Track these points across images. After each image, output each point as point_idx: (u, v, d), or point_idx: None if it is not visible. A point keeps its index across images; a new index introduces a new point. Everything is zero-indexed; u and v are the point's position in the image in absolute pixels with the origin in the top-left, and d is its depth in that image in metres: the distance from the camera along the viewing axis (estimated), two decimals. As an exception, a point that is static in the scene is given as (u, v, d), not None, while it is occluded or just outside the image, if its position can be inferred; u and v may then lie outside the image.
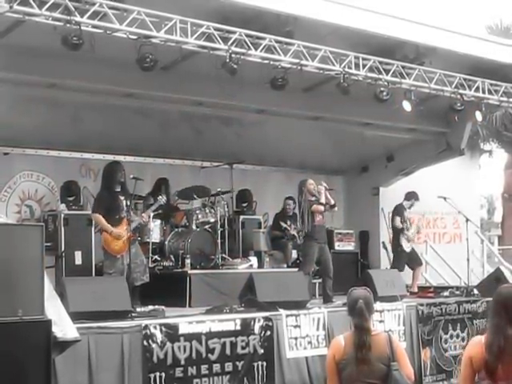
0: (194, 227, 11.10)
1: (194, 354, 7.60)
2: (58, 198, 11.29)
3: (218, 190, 11.62)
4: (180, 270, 10.52)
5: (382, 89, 10.06)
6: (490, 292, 4.82)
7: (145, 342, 7.28)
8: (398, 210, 12.32)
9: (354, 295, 5.58)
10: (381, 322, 9.34)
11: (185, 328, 7.62)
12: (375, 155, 14.35)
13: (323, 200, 10.42)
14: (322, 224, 10.50)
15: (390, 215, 12.64)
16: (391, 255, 12.77)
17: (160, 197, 10.01)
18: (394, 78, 10.11)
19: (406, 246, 12.15)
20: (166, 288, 9.85)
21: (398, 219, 12.20)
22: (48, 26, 7.49)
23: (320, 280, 10.91)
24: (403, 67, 10.20)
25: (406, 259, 12.15)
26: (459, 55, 10.57)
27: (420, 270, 12.59)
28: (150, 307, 8.42)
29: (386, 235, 12.94)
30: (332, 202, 10.60)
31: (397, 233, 12.26)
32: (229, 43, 8.59)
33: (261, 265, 11.65)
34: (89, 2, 7.59)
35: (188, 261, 10.47)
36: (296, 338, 8.57)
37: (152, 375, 7.29)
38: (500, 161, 23.93)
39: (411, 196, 12.45)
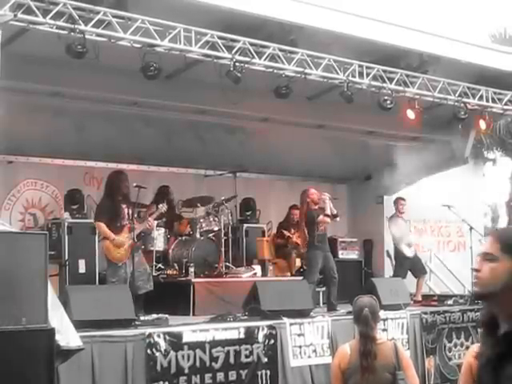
0: (197, 236, 11.09)
1: (197, 363, 7.59)
2: (61, 207, 11.28)
3: (222, 198, 11.59)
4: (184, 279, 10.50)
5: (385, 97, 10.05)
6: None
7: (148, 351, 7.27)
8: (392, 220, 12.43)
9: (360, 303, 5.55)
10: (384, 330, 9.31)
11: (188, 336, 7.60)
12: (379, 163, 14.33)
13: (329, 212, 10.47)
14: (324, 233, 10.58)
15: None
16: (394, 263, 12.78)
17: (161, 205, 10.00)
18: (398, 86, 10.11)
19: (408, 252, 12.15)
20: (169, 296, 9.84)
21: (393, 229, 12.28)
22: (52, 34, 7.50)
23: (324, 288, 10.90)
24: (407, 76, 10.20)
25: (408, 266, 12.14)
26: (463, 64, 10.56)
27: (424, 279, 12.57)
28: (154, 315, 8.38)
29: (390, 244, 12.93)
30: (335, 212, 10.66)
31: (396, 240, 12.30)
32: (233, 52, 8.59)
33: (264, 273, 11.62)
34: (93, 10, 7.62)
35: (192, 269, 10.46)
36: (300, 347, 8.55)
37: (156, 384, 7.28)
38: (504, 169, 23.89)
39: (394, 203, 12.63)
